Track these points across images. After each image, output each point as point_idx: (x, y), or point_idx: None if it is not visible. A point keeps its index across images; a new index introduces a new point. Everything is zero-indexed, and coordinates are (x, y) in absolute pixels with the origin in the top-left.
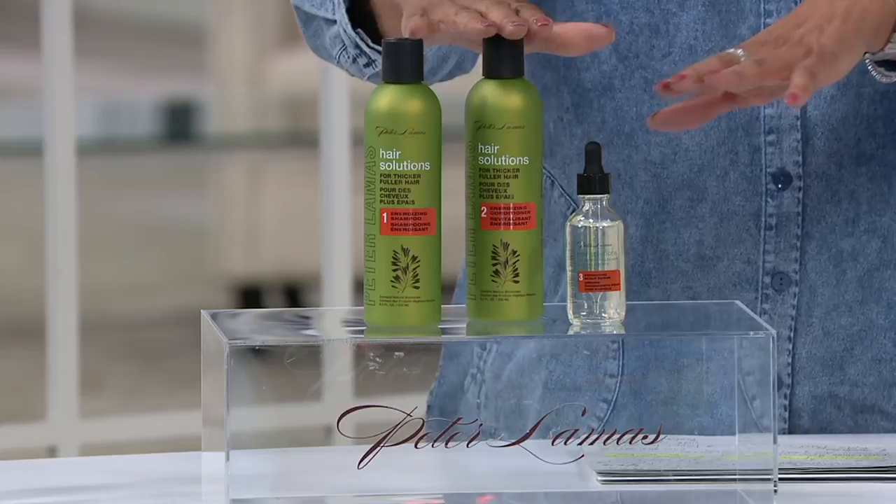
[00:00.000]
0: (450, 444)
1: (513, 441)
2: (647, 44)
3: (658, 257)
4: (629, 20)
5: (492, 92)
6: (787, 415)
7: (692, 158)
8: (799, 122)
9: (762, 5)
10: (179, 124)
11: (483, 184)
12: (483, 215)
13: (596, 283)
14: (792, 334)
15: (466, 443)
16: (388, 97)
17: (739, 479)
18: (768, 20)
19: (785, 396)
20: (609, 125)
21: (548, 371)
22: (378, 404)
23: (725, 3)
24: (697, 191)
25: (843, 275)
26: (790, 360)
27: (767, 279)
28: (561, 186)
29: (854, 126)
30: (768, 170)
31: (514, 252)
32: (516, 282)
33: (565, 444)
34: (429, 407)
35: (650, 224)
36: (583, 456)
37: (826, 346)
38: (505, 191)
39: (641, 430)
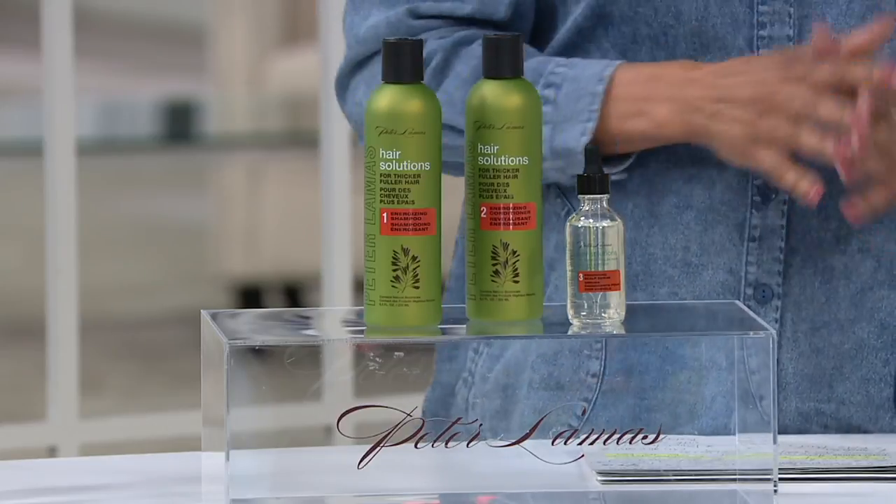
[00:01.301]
0: (449, 445)
1: (513, 441)
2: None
3: (646, 261)
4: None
5: (491, 92)
6: None
7: (683, 166)
8: None
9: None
10: (179, 124)
11: (483, 184)
12: (483, 215)
13: (596, 283)
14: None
15: (466, 443)
16: (388, 97)
17: (739, 479)
18: (761, 16)
19: None
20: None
21: (532, 370)
22: (378, 404)
23: None
24: (684, 197)
25: (834, 292)
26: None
27: (749, 290)
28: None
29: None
30: (755, 181)
31: (514, 252)
32: (516, 282)
33: (565, 444)
34: (423, 412)
35: (639, 227)
36: (583, 456)
37: (815, 363)
38: (504, 191)
39: (641, 430)
